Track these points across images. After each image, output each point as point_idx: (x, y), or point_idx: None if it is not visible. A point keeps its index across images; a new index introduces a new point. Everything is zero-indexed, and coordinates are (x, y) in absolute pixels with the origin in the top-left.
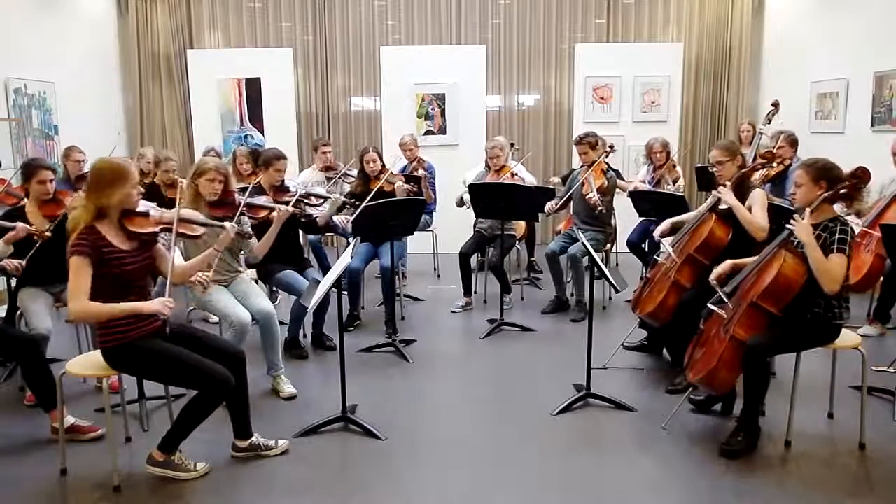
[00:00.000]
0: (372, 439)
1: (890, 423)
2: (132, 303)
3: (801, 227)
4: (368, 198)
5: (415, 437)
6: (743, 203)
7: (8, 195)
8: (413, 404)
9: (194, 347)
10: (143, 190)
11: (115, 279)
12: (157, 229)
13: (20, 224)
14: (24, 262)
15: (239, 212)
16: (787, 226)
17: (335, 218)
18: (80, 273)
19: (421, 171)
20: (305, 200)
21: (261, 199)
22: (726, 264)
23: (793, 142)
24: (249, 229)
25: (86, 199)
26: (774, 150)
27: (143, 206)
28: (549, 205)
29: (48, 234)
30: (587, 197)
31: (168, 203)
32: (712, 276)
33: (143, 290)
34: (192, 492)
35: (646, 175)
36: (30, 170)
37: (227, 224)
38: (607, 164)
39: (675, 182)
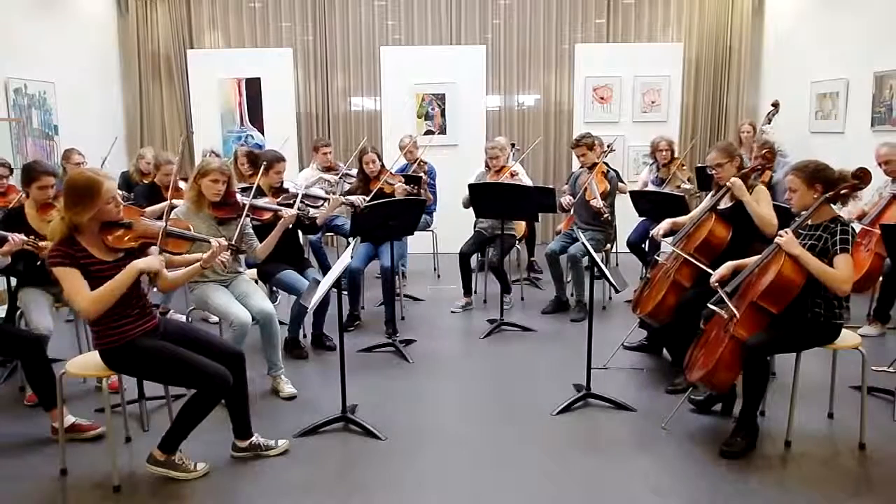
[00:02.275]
0: (372, 439)
1: (890, 423)
2: (125, 268)
3: (788, 242)
4: (368, 198)
5: (415, 437)
6: None
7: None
8: (413, 404)
9: (192, 347)
10: (121, 202)
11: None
12: (135, 244)
13: (17, 236)
14: (26, 238)
15: (244, 214)
16: (776, 240)
17: (351, 197)
18: (68, 277)
19: (423, 175)
20: (306, 202)
21: (262, 201)
22: (727, 266)
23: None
24: (250, 240)
25: (63, 211)
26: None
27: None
28: (567, 199)
29: (44, 244)
30: (591, 203)
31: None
32: (713, 279)
33: (131, 295)
34: (192, 492)
35: (648, 175)
36: (31, 174)
37: (213, 241)
38: (606, 164)
39: (689, 181)
